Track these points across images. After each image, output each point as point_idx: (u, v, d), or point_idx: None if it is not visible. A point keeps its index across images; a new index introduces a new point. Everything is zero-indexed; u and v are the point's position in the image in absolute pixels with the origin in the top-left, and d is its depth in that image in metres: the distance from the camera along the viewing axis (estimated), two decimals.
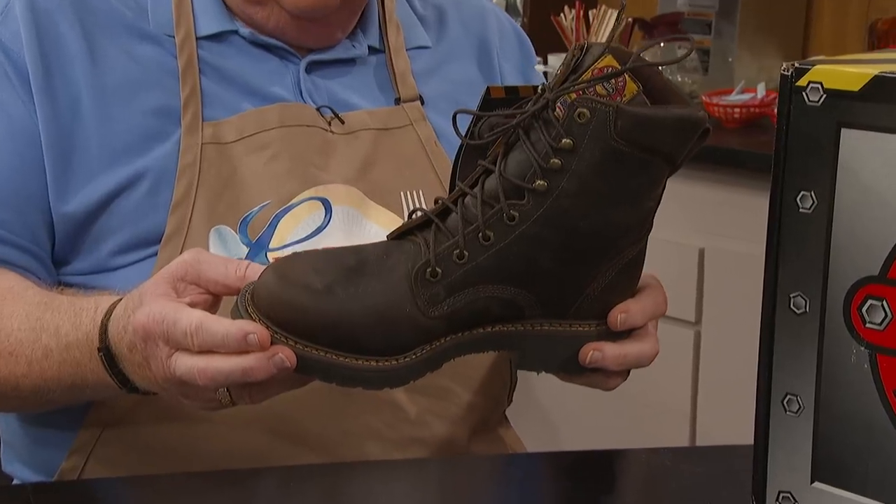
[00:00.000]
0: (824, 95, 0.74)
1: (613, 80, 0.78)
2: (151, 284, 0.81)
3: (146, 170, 0.98)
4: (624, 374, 0.89)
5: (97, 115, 0.98)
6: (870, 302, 0.73)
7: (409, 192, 1.03)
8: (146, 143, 0.98)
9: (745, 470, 0.82)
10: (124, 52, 1.00)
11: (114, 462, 0.99)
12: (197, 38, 1.02)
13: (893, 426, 0.73)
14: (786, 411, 0.78)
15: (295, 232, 0.98)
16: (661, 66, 0.81)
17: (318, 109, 1.04)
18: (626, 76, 0.78)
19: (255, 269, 0.78)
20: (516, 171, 0.79)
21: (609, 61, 0.78)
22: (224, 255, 0.97)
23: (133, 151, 0.98)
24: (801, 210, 0.76)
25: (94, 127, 0.98)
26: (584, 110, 0.77)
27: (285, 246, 0.98)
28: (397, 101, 1.07)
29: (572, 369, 0.85)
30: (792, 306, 0.77)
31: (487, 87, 0.85)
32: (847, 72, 0.72)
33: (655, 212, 0.84)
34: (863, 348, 0.73)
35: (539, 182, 0.78)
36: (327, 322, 0.75)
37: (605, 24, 2.97)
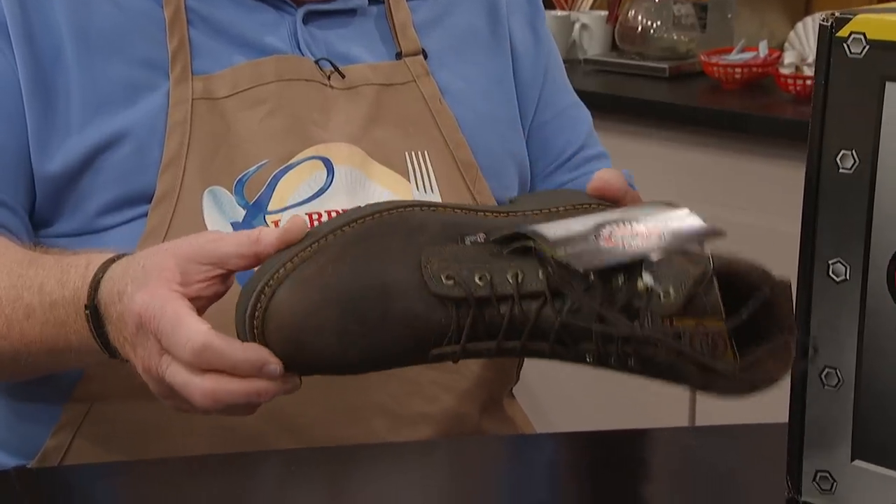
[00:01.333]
0: (867, 47, 0.74)
1: (711, 340, 0.75)
2: (160, 262, 0.79)
3: (132, 125, 0.97)
4: None
5: (80, 63, 0.97)
6: None
7: (413, 153, 1.03)
8: (132, 96, 0.98)
9: (775, 448, 0.83)
10: None
11: (103, 440, 0.98)
12: None
13: None
14: (824, 385, 0.79)
15: (296, 193, 0.98)
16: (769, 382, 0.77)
17: (316, 62, 1.03)
18: (730, 344, 0.75)
19: (268, 233, 0.77)
20: (576, 329, 0.76)
21: (718, 325, 0.75)
22: (219, 217, 0.97)
23: (117, 104, 0.97)
24: (841, 170, 0.76)
25: (76, 76, 0.97)
26: (664, 360, 0.75)
27: (286, 208, 0.98)
28: (398, 55, 1.07)
29: None
30: (831, 273, 0.78)
31: None
32: (892, 21, 0.73)
33: None
34: None
35: (590, 359, 0.77)
36: (343, 368, 0.76)
37: None
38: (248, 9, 1.04)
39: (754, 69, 2.27)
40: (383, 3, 1.09)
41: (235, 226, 0.97)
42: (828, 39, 0.76)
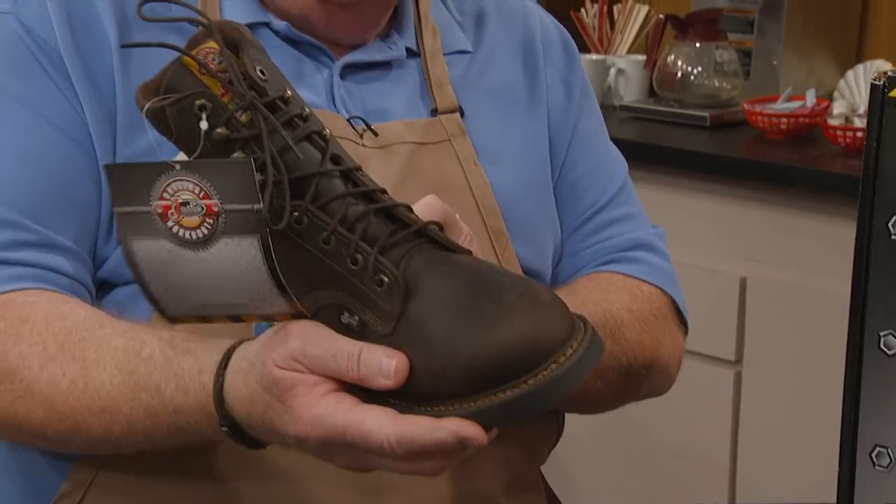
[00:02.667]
0: None
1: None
2: (293, 393, 0.79)
3: None
4: None
5: (126, 114, 0.99)
6: None
7: None
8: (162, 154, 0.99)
9: None
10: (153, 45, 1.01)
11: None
12: None
13: None
14: (874, 465, 0.79)
15: None
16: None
17: (349, 120, 1.04)
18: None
19: (369, 362, 0.77)
20: None
21: (210, 44, 0.82)
22: None
23: (156, 157, 0.99)
24: (893, 236, 0.77)
25: (123, 128, 0.99)
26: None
27: None
28: (434, 112, 1.09)
29: None
30: (882, 346, 0.78)
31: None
32: None
33: None
34: None
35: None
36: (511, 355, 0.74)
37: (633, 21, 2.99)
38: (286, 56, 1.05)
39: (801, 119, 2.28)
40: (420, 56, 1.10)
41: None
42: (880, 99, 0.76)
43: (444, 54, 1.11)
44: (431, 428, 0.74)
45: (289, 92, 0.81)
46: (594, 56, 2.65)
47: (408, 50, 1.10)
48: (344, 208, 0.79)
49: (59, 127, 0.98)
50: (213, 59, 0.80)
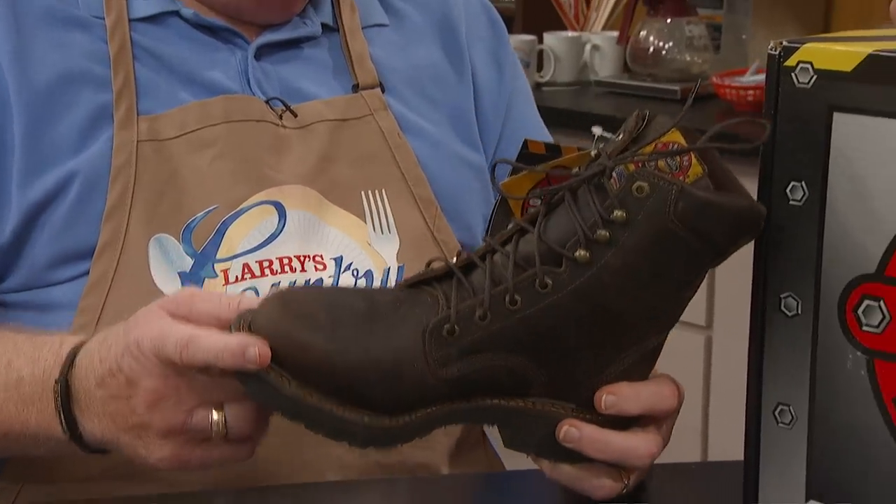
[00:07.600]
0: (815, 76, 0.75)
1: (678, 158, 0.79)
2: (143, 312, 0.81)
3: (75, 173, 0.97)
4: (619, 479, 0.84)
5: (25, 116, 0.97)
6: (866, 302, 0.74)
7: (370, 192, 1.03)
8: (77, 144, 0.98)
9: (732, 487, 0.83)
10: (52, 41, 1.00)
11: None
12: (131, 21, 1.02)
13: (893, 438, 0.74)
14: (778, 423, 0.79)
15: (245, 240, 0.98)
16: (732, 150, 0.80)
17: (267, 102, 1.03)
18: (693, 156, 0.79)
19: (249, 302, 0.78)
20: (557, 236, 0.79)
21: (675, 136, 0.79)
22: (166, 267, 0.97)
23: (63, 154, 0.97)
24: (791, 202, 0.77)
25: (22, 130, 0.97)
26: (644, 184, 0.77)
27: (235, 256, 0.98)
28: (355, 87, 1.08)
29: (558, 453, 0.83)
30: (783, 308, 0.78)
31: (525, 141, 0.86)
32: (839, 51, 0.74)
33: (688, 303, 0.83)
34: (859, 353, 0.74)
35: (581, 252, 0.78)
36: (330, 367, 0.75)
37: (606, 1, 2.97)
38: (197, 44, 1.04)
39: None
40: (337, 32, 1.09)
41: (183, 276, 0.97)
42: (776, 69, 0.77)
43: (363, 28, 1.10)
44: (226, 335, 0.76)
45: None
46: (570, 33, 2.65)
47: (323, 25, 1.09)
48: None
49: None
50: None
